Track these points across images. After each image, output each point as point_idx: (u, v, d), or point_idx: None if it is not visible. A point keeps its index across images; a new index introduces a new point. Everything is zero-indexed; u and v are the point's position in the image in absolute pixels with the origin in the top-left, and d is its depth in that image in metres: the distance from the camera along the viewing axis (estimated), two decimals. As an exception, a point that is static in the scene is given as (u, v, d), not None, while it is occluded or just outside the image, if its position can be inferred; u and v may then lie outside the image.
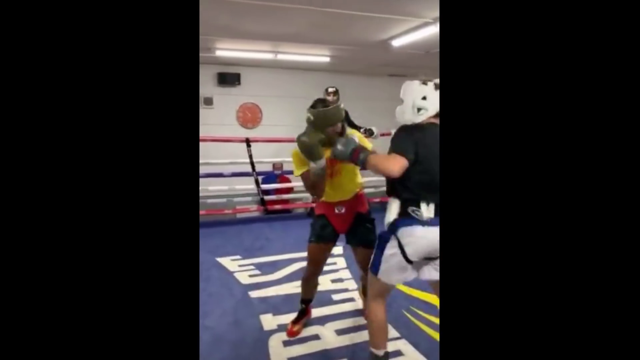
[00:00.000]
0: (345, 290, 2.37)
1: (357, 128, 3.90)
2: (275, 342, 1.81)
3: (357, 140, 1.44)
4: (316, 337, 1.86)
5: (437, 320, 2.03)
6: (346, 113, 4.09)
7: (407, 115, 1.37)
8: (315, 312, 2.04)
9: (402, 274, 1.41)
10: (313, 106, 1.59)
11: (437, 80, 1.37)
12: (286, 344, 1.80)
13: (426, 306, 2.17)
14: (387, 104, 5.51)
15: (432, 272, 1.44)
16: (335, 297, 2.27)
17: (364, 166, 1.38)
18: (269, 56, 4.10)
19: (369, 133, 3.78)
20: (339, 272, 2.62)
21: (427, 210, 1.32)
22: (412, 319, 2.03)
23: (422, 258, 1.38)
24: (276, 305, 2.15)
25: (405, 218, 1.34)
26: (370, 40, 2.73)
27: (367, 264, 1.68)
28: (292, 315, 1.95)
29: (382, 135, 4.01)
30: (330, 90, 3.84)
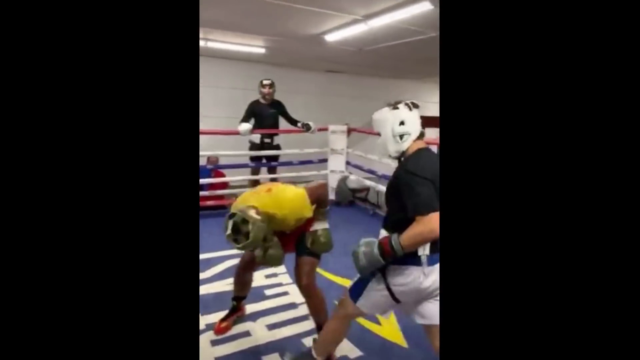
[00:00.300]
0: (279, 284, 2.35)
1: (295, 122, 3.89)
2: (203, 342, 1.73)
3: (367, 240, 1.22)
4: (247, 333, 1.82)
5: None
6: (283, 106, 4.05)
7: (392, 147, 1.27)
8: (248, 309, 2.00)
9: (385, 308, 1.31)
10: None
11: (407, 100, 1.29)
12: (214, 343, 1.74)
13: (357, 295, 2.24)
14: (325, 99, 5.58)
15: (426, 310, 1.25)
16: (268, 292, 2.25)
17: (403, 252, 1.15)
18: (199, 43, 3.90)
19: (306, 128, 3.79)
20: (273, 266, 2.60)
21: (422, 248, 1.18)
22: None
23: (413, 300, 1.25)
24: (206, 304, 2.06)
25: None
26: (303, 34, 2.72)
27: (297, 272, 1.62)
28: (223, 314, 1.88)
29: (320, 130, 4.06)
30: (265, 82, 3.76)
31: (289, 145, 4.10)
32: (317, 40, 2.86)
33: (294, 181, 4.23)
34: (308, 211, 1.51)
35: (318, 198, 1.56)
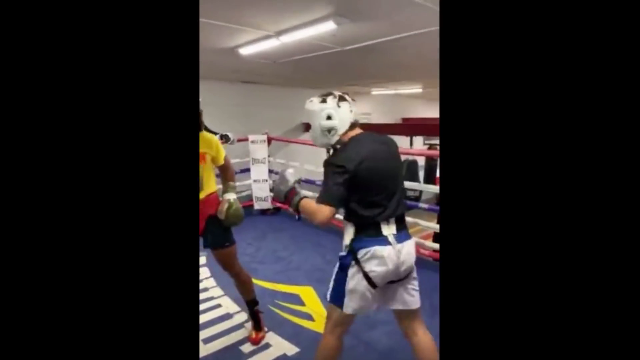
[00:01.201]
0: (211, 298, 2.34)
1: (214, 134, 3.84)
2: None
3: (289, 177, 1.32)
4: (182, 351, 1.80)
5: (300, 308, 2.21)
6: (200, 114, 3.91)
7: (320, 140, 1.28)
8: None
9: (369, 303, 1.25)
10: None
11: (338, 92, 1.28)
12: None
13: (289, 297, 2.35)
14: (242, 110, 5.55)
15: (404, 297, 1.29)
16: (202, 306, 2.22)
17: (297, 210, 1.26)
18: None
19: (225, 139, 3.76)
20: (203, 281, 2.56)
21: (387, 229, 1.21)
22: (278, 311, 2.17)
23: (388, 281, 1.25)
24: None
25: (363, 236, 1.20)
26: (217, 47, 2.75)
27: (226, 264, 1.75)
28: None
29: (239, 140, 4.07)
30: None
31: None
32: (231, 54, 2.90)
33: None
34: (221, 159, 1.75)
35: (228, 164, 1.79)
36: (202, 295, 2.35)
